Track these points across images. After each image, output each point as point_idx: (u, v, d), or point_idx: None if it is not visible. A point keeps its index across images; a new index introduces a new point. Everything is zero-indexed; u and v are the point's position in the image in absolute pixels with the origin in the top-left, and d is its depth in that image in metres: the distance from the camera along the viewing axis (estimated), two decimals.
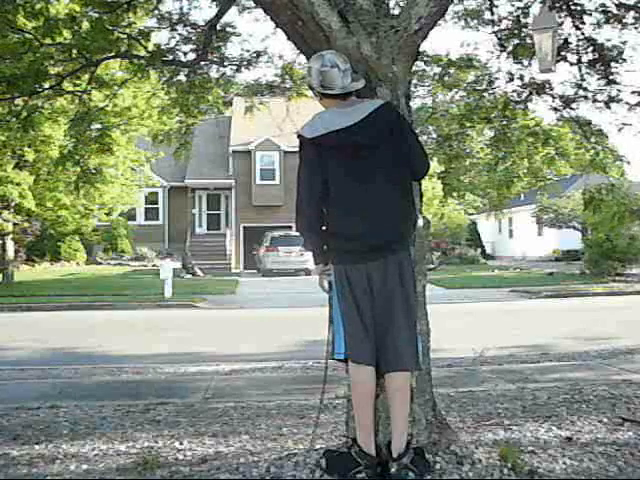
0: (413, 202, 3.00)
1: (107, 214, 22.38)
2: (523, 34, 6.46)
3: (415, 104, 8.48)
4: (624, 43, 6.43)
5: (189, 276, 23.26)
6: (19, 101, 6.82)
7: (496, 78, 7.24)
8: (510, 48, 6.72)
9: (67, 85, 6.90)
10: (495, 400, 4.65)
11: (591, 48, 6.30)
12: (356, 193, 2.84)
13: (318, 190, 2.87)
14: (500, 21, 6.74)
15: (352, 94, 2.93)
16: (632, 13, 6.10)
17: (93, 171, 8.23)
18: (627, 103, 6.59)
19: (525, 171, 8.65)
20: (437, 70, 7.53)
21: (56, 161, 9.74)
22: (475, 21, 7.11)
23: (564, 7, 6.05)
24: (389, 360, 2.83)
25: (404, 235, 2.91)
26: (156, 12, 6.70)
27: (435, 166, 11.73)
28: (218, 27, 6.35)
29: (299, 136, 2.94)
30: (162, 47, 6.62)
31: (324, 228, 2.91)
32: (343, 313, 2.87)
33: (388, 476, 2.80)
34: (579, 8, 6.13)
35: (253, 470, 3.07)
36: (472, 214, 35.99)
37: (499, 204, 10.33)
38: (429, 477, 2.83)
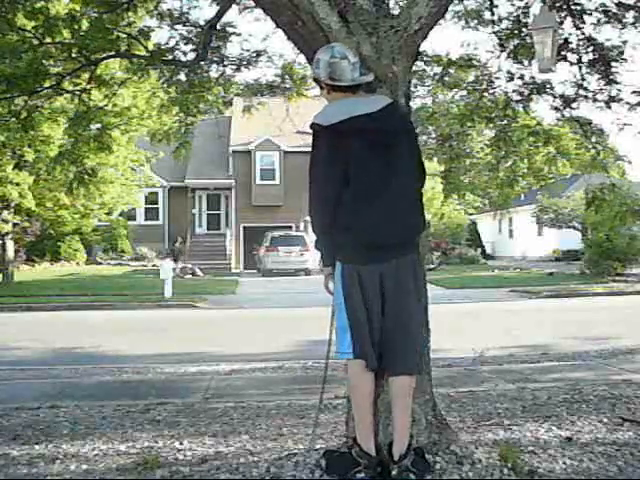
0: (422, 199, 2.99)
1: (107, 214, 22.39)
2: (523, 34, 6.45)
3: (415, 104, 8.46)
4: (624, 43, 6.43)
5: (178, 268, 23.04)
6: (19, 100, 6.82)
7: (496, 78, 7.23)
8: (510, 48, 6.71)
9: (67, 84, 6.89)
10: (495, 400, 4.65)
11: (591, 48, 6.30)
12: (378, 186, 2.75)
13: (337, 186, 2.74)
14: (500, 21, 6.74)
15: (360, 88, 2.88)
16: (632, 13, 6.10)
17: (90, 171, 8.21)
18: (627, 103, 6.59)
19: (526, 171, 8.65)
20: (437, 70, 7.52)
21: (54, 159, 9.74)
22: (475, 21, 7.10)
23: (564, 7, 6.04)
24: (395, 363, 2.82)
25: (420, 231, 2.92)
26: (156, 12, 6.70)
27: (435, 166, 11.72)
28: (218, 27, 6.34)
29: (314, 125, 2.81)
30: (162, 47, 6.62)
31: (339, 222, 2.80)
32: (350, 314, 2.81)
33: (389, 478, 2.80)
34: (579, 8, 6.13)
35: (253, 470, 3.07)
36: (472, 214, 35.99)
37: (504, 203, 10.31)
38: (429, 477, 2.82)
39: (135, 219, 29.51)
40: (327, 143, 2.77)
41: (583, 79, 6.57)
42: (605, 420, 3.90)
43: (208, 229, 30.90)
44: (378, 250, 2.78)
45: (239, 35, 6.86)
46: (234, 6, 6.52)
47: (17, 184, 16.41)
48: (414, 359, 2.85)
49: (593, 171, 8.11)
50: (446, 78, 7.54)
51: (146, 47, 6.56)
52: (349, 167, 2.75)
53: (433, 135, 8.68)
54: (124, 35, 6.38)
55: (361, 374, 2.82)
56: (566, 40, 6.29)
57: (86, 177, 8.09)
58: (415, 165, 2.92)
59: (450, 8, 5.41)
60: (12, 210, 18.04)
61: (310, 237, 21.68)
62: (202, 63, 6.71)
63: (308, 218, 2.96)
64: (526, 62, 6.74)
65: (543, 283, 17.85)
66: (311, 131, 2.85)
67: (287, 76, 7.67)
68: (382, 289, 2.79)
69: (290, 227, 27.52)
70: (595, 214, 10.83)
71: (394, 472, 2.78)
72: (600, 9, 6.10)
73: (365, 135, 2.76)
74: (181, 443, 3.68)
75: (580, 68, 6.48)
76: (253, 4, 5.59)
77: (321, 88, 2.94)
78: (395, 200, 2.77)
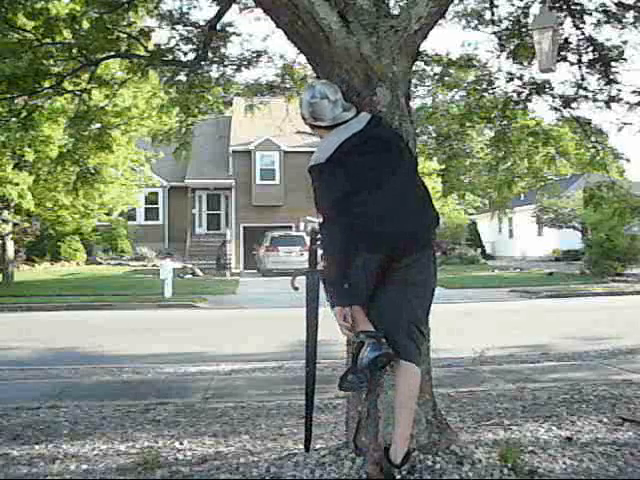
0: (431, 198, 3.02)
1: (107, 214, 22.36)
2: (523, 34, 6.45)
3: (415, 104, 8.46)
4: (624, 43, 6.43)
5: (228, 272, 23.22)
6: (19, 100, 6.82)
7: (496, 78, 7.23)
8: (510, 48, 6.71)
9: (67, 84, 6.89)
10: (495, 400, 4.65)
11: (591, 48, 6.30)
12: (383, 187, 2.79)
13: (351, 207, 2.75)
14: (500, 21, 6.74)
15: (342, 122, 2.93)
16: (632, 13, 6.10)
17: (92, 171, 8.22)
18: (627, 102, 6.59)
19: (525, 171, 8.65)
20: (437, 70, 7.52)
21: (55, 160, 9.74)
22: (475, 21, 7.10)
23: (564, 7, 6.04)
24: (403, 350, 2.82)
25: (435, 224, 2.94)
26: (156, 12, 6.70)
27: (435, 166, 11.69)
28: (218, 27, 6.34)
29: (314, 167, 2.85)
30: (162, 47, 6.62)
31: (359, 214, 2.79)
32: (361, 283, 2.79)
33: None
34: (579, 8, 6.13)
35: (253, 470, 3.08)
36: (472, 214, 35.98)
37: (502, 204, 10.31)
38: (429, 477, 2.83)
39: (135, 219, 29.48)
40: (331, 173, 2.81)
41: (583, 79, 6.57)
42: (605, 420, 3.90)
43: (208, 229, 30.88)
44: (398, 241, 2.78)
45: (239, 35, 6.86)
46: (234, 6, 6.53)
47: (17, 184, 16.40)
48: (419, 352, 2.87)
49: (592, 171, 8.11)
50: (446, 78, 7.54)
51: (146, 47, 6.56)
52: (353, 185, 2.78)
53: (433, 135, 8.67)
54: (124, 35, 6.38)
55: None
56: (566, 40, 6.29)
57: (89, 176, 8.09)
58: (413, 166, 3.01)
59: (450, 8, 5.40)
60: (12, 210, 18.03)
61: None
62: (202, 63, 6.71)
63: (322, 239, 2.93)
64: (526, 62, 6.73)
65: (543, 283, 17.85)
66: (310, 173, 2.88)
67: (287, 76, 7.67)
68: (404, 279, 2.81)
69: (290, 227, 27.49)
70: (594, 212, 10.82)
71: (398, 477, 2.79)
72: (600, 9, 6.09)
73: (359, 149, 2.83)
74: (181, 443, 3.69)
75: (580, 68, 6.48)
76: (253, 4, 5.60)
77: (306, 124, 3.04)
78: (406, 196, 2.83)
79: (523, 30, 6.42)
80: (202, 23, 6.59)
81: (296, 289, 2.94)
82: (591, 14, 6.15)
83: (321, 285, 2.92)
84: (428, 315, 2.98)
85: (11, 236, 18.79)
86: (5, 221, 17.87)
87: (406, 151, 3.00)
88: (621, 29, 6.26)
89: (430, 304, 2.95)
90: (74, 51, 6.27)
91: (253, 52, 7.32)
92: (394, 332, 2.81)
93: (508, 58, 6.82)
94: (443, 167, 8.41)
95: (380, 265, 2.79)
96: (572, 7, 6.06)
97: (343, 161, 2.81)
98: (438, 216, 2.98)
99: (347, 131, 2.87)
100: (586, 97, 6.72)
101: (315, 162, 2.87)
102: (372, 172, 2.81)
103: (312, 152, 3.05)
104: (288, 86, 7.77)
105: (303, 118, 3.03)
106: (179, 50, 6.70)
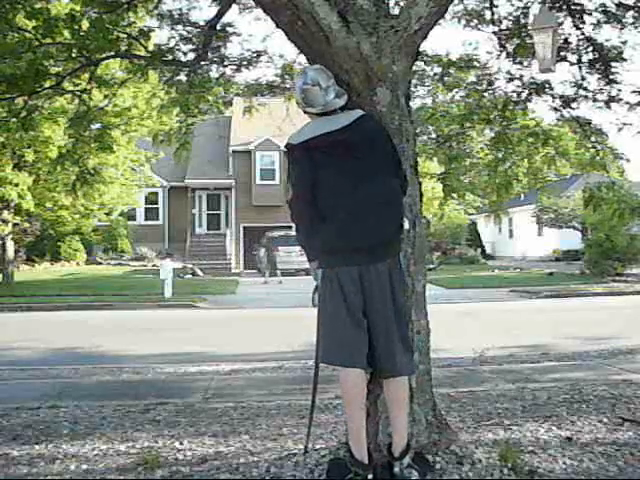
0: (400, 206, 2.93)
1: (107, 214, 22.38)
2: (523, 34, 6.45)
3: (415, 104, 8.45)
4: (624, 43, 6.43)
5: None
6: (19, 101, 6.81)
7: (496, 78, 7.23)
8: (510, 48, 6.71)
9: (67, 85, 6.89)
10: (495, 400, 4.65)
11: (591, 48, 6.30)
12: (347, 194, 2.79)
13: (311, 198, 2.83)
14: (500, 21, 6.73)
15: (336, 111, 2.93)
16: (632, 13, 6.10)
17: (92, 172, 8.22)
18: (627, 103, 6.59)
19: (525, 171, 8.66)
20: (437, 70, 7.52)
21: (55, 160, 9.75)
22: (475, 21, 7.10)
23: (564, 7, 6.04)
24: (385, 367, 2.82)
25: (390, 236, 2.87)
26: (156, 12, 6.70)
27: (435, 167, 11.72)
28: (218, 27, 6.34)
29: (287, 145, 2.95)
30: (162, 47, 6.62)
31: (314, 227, 2.86)
32: (333, 316, 2.81)
33: (391, 476, 2.80)
34: (579, 8, 6.13)
35: (253, 470, 3.08)
36: (472, 214, 35.98)
37: (497, 206, 10.35)
38: (429, 477, 2.83)
39: (135, 219, 29.50)
40: (299, 158, 2.89)
41: (583, 79, 6.57)
42: (605, 420, 3.90)
43: (208, 229, 30.89)
44: (355, 254, 2.78)
45: (239, 35, 6.85)
46: (234, 6, 6.52)
47: (17, 184, 16.40)
48: (402, 362, 2.83)
49: (592, 171, 8.12)
50: (446, 78, 7.54)
51: (146, 47, 6.55)
52: (320, 178, 2.82)
53: (433, 135, 8.68)
54: (124, 35, 6.37)
55: (352, 380, 2.77)
56: (566, 40, 6.29)
57: (89, 177, 8.09)
58: (392, 173, 2.91)
59: (450, 8, 5.39)
60: (12, 210, 18.03)
61: None
62: (202, 63, 6.71)
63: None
64: (526, 62, 6.74)
65: (543, 283, 17.86)
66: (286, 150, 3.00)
67: (287, 76, 7.67)
68: (363, 292, 2.79)
69: (290, 227, 27.49)
70: (593, 212, 10.84)
71: (396, 469, 2.79)
72: (600, 9, 6.09)
73: (332, 148, 2.83)
74: (181, 443, 3.69)
75: (580, 68, 6.48)
76: (253, 4, 5.60)
77: (300, 108, 3.07)
78: (364, 207, 2.78)
79: (523, 30, 6.42)
80: (202, 23, 6.59)
81: (315, 306, 2.94)
82: (591, 14, 6.14)
83: None
84: (406, 318, 2.95)
85: (11, 236, 18.78)
86: (5, 221, 17.87)
87: (389, 154, 2.93)
88: (621, 29, 6.26)
89: (404, 307, 2.92)
90: (74, 51, 6.26)
91: (253, 52, 7.32)
92: (390, 349, 2.79)
93: (508, 58, 6.81)
94: (443, 170, 8.43)
95: (342, 278, 2.77)
96: (572, 7, 6.06)
97: (314, 152, 2.83)
98: (402, 224, 2.90)
99: (332, 123, 2.87)
100: (586, 97, 6.72)
101: (289, 140, 2.94)
102: (341, 176, 2.80)
103: None
104: (288, 86, 7.77)
105: (297, 103, 3.06)
106: (179, 50, 6.70)
